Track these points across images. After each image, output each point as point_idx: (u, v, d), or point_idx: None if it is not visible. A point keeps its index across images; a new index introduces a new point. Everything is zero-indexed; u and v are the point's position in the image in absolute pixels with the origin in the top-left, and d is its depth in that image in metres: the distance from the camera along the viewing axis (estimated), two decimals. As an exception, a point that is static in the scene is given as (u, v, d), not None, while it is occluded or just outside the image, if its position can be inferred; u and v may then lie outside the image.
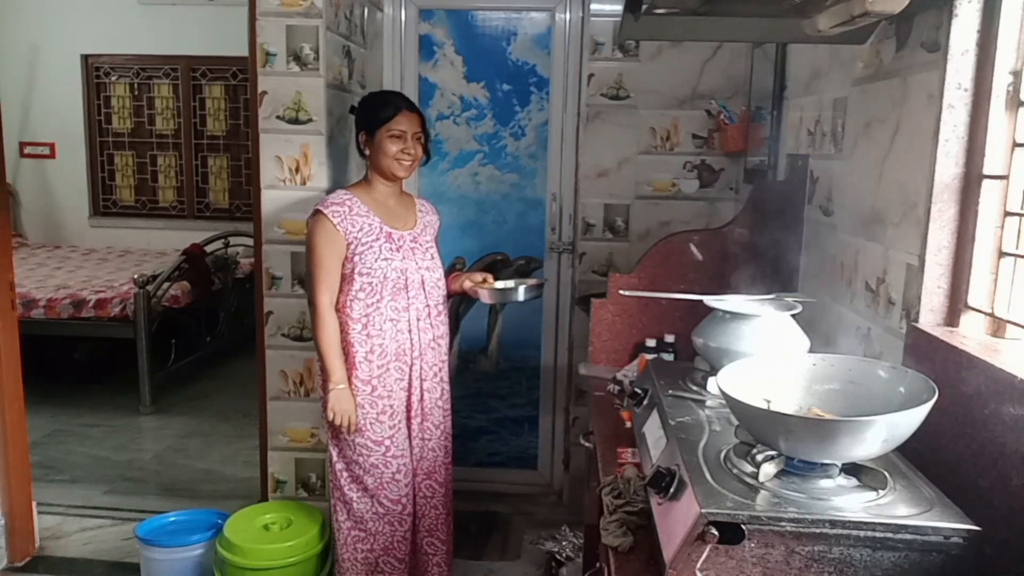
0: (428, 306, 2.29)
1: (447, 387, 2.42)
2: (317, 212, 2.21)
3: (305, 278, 2.28)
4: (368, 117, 2.27)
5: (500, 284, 2.44)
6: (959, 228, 1.43)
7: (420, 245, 2.30)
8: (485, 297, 2.39)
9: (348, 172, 2.88)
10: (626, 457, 1.61)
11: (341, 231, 2.19)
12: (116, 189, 6.45)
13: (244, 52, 2.65)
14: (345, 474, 2.30)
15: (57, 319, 4.46)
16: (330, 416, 2.19)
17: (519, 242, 3.30)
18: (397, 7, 3.19)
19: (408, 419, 2.33)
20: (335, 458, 2.31)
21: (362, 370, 2.22)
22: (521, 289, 2.40)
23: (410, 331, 2.26)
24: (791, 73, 2.44)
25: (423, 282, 2.28)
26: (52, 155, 6.34)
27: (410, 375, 2.29)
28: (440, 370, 2.38)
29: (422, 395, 2.33)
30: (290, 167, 2.66)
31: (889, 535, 1.05)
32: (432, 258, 2.33)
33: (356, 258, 2.19)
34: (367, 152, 2.29)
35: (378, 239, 2.22)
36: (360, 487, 2.28)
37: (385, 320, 2.22)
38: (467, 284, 2.40)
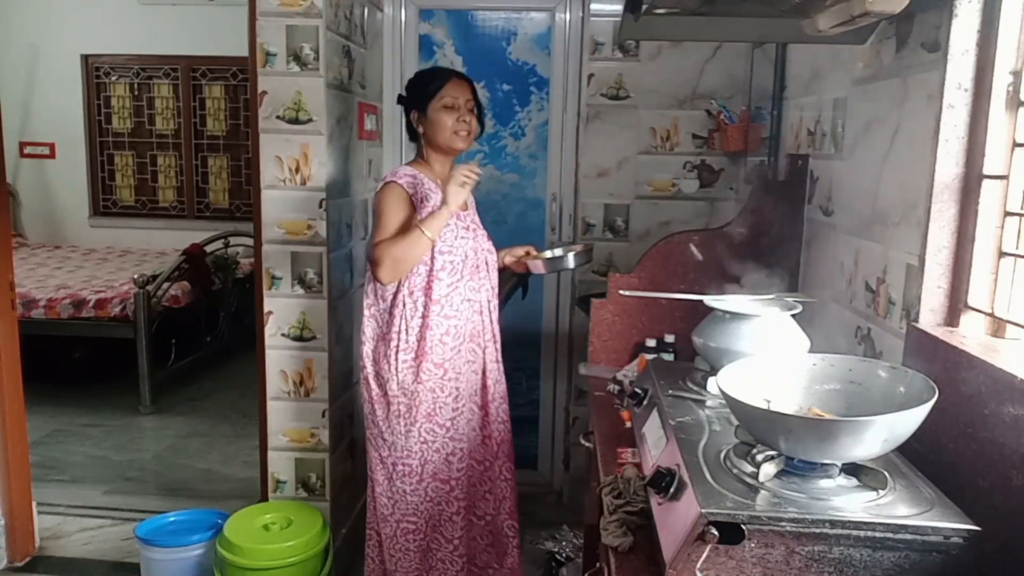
0: (493, 287, 2.28)
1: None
2: (389, 182, 2.16)
3: (368, 246, 2.18)
4: (417, 94, 2.21)
5: (549, 253, 2.43)
6: (959, 228, 1.43)
7: (479, 226, 2.29)
8: (539, 268, 2.36)
9: (348, 172, 2.88)
10: (626, 457, 1.61)
11: (412, 196, 2.15)
12: (116, 189, 6.45)
13: (244, 52, 2.65)
14: (398, 467, 2.20)
15: (57, 319, 4.46)
16: (460, 194, 2.04)
17: (519, 242, 3.26)
18: (397, 7, 3.19)
19: (485, 402, 2.29)
20: (384, 452, 2.21)
21: (436, 353, 2.15)
22: (571, 256, 2.39)
23: (481, 313, 2.24)
24: (791, 73, 2.43)
25: (487, 263, 2.26)
26: (52, 155, 6.34)
27: (484, 358, 2.27)
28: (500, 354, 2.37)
29: (497, 378, 2.31)
30: (290, 167, 2.66)
31: (889, 535, 1.05)
32: (488, 239, 2.31)
33: None
34: (421, 130, 2.23)
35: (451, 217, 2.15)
36: (415, 478, 2.20)
37: (463, 300, 2.18)
38: (508, 259, 2.36)
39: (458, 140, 2.19)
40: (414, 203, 2.14)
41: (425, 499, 2.23)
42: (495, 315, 2.31)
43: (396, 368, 2.16)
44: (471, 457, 2.30)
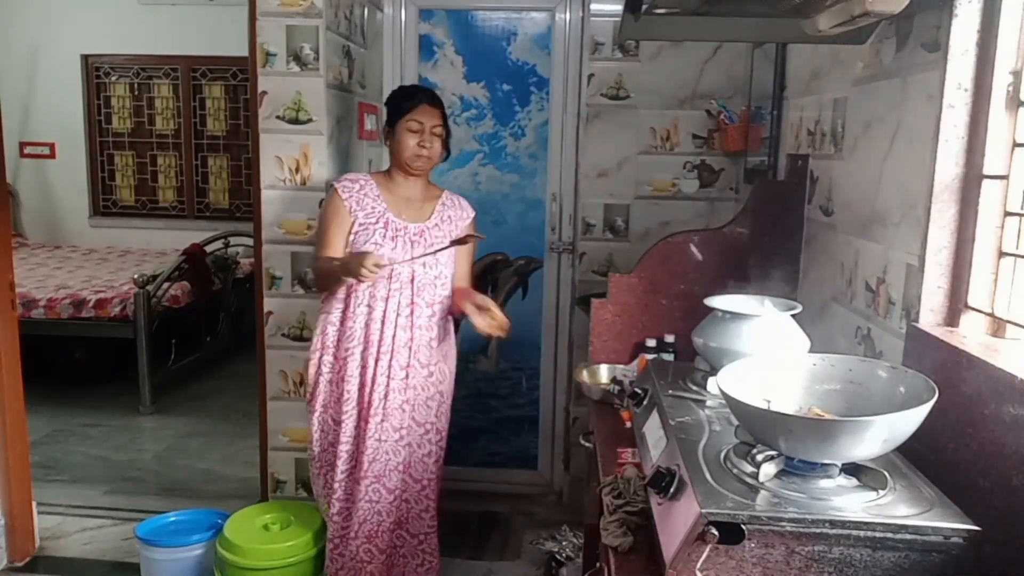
0: (413, 303, 2.23)
1: (432, 394, 2.31)
2: (331, 186, 2.30)
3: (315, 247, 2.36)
4: (391, 109, 2.31)
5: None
6: (959, 228, 1.43)
7: (425, 240, 2.27)
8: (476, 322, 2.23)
9: (348, 172, 2.87)
10: (626, 457, 1.61)
11: (347, 207, 2.24)
12: (116, 189, 6.45)
13: (244, 52, 2.65)
14: (308, 451, 2.36)
15: (57, 319, 4.46)
16: (364, 274, 2.02)
17: (519, 242, 3.30)
18: (397, 7, 3.19)
19: (365, 416, 2.23)
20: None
21: (337, 348, 2.25)
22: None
23: (383, 323, 2.21)
24: (791, 73, 2.44)
25: (412, 277, 2.23)
26: (52, 155, 6.34)
27: (375, 370, 2.21)
28: (427, 376, 2.29)
29: (386, 394, 2.23)
30: (290, 167, 2.66)
31: (889, 535, 1.05)
32: (434, 257, 2.25)
33: (352, 238, 2.23)
34: (388, 143, 2.33)
35: (377, 223, 2.23)
36: (316, 465, 2.34)
37: (360, 304, 2.22)
38: (468, 308, 2.23)
39: (416, 162, 2.27)
40: (349, 209, 2.24)
41: (321, 487, 2.36)
42: (406, 332, 2.23)
43: (312, 359, 2.29)
44: (354, 465, 2.26)
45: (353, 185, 2.26)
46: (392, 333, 2.22)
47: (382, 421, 2.24)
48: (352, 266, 2.05)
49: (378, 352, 2.22)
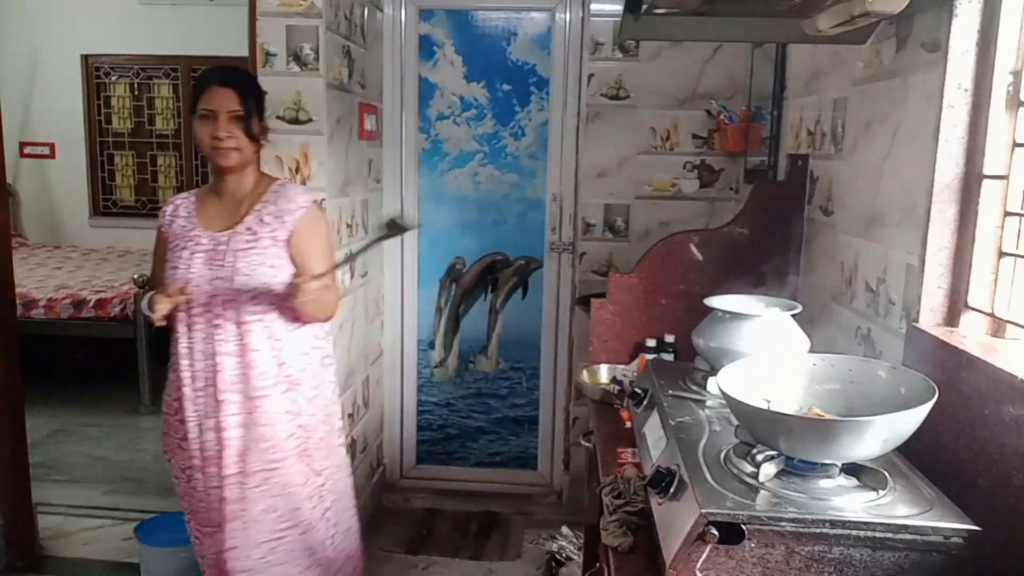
0: (240, 324, 1.82)
1: (319, 427, 1.96)
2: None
3: None
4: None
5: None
6: (959, 228, 1.43)
7: (230, 247, 1.84)
8: None
9: (348, 172, 2.88)
10: (626, 457, 1.61)
11: (165, 234, 1.94)
12: (116, 189, 6.44)
13: (244, 52, 2.65)
14: None
15: (57, 319, 4.46)
16: (158, 311, 1.74)
17: (519, 242, 3.30)
18: (397, 7, 3.19)
19: (220, 470, 1.86)
20: None
21: (173, 387, 1.92)
22: None
23: (192, 357, 1.84)
24: (791, 73, 2.44)
25: (221, 301, 1.82)
26: (52, 155, 6.33)
27: (219, 416, 1.84)
28: (310, 401, 1.92)
29: (248, 444, 1.85)
30: (290, 167, 2.66)
31: (889, 535, 1.05)
32: (232, 265, 1.82)
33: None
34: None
35: (182, 241, 1.88)
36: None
37: (180, 338, 1.86)
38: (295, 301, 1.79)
39: (217, 156, 1.83)
40: (167, 235, 1.93)
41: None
42: (234, 358, 1.83)
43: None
44: (203, 532, 1.98)
45: (169, 207, 1.95)
46: (211, 365, 1.83)
47: (244, 471, 1.85)
48: (148, 306, 1.77)
49: (193, 392, 1.85)
